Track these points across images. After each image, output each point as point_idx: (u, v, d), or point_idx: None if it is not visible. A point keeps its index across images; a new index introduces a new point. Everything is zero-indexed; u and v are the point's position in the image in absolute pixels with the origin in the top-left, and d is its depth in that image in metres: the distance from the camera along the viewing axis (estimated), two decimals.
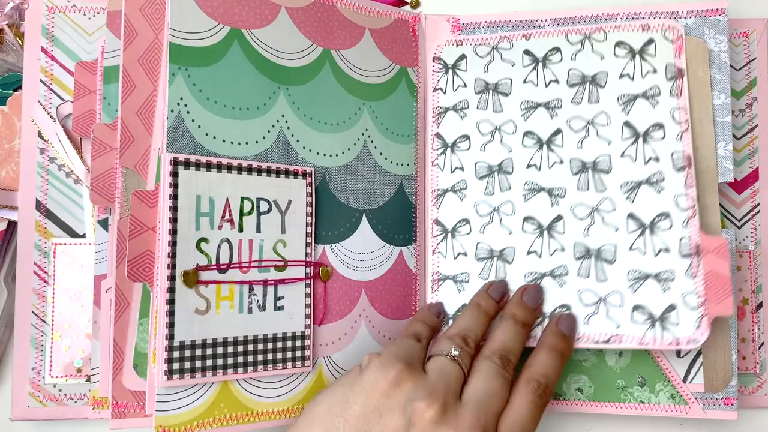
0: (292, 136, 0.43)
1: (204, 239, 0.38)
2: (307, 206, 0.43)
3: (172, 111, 0.39)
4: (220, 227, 0.39)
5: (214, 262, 0.39)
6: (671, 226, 0.42)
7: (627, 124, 0.44)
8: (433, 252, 0.46)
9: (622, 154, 0.44)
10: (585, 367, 0.45)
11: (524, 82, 0.46)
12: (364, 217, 0.46)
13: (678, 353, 0.44)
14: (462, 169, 0.46)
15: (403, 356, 0.37)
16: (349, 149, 0.45)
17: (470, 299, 0.44)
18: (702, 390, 0.44)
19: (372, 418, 0.35)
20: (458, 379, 0.37)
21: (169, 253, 0.37)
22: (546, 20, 0.48)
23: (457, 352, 0.38)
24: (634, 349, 0.43)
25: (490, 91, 0.47)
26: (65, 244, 0.46)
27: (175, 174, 0.38)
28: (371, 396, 0.35)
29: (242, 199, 0.40)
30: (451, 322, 0.44)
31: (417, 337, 0.41)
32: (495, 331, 0.41)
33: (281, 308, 0.41)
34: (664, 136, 0.44)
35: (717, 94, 0.45)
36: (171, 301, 0.37)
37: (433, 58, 0.49)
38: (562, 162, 0.45)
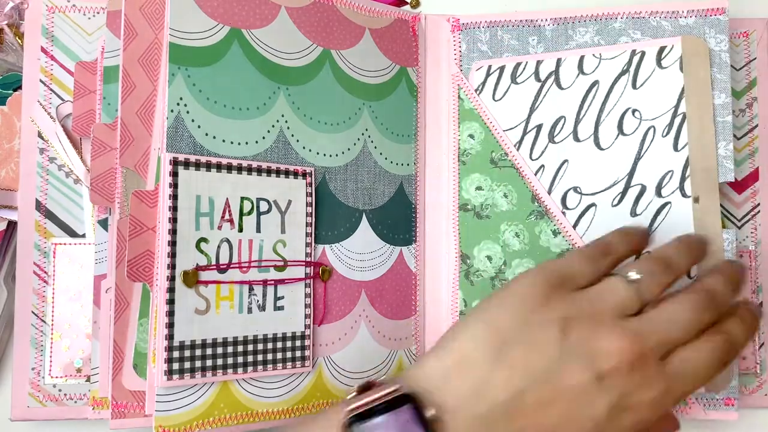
0: (292, 136, 0.43)
1: (204, 239, 0.38)
2: (307, 206, 0.43)
3: (172, 111, 0.39)
4: (219, 227, 0.39)
5: (213, 262, 0.39)
6: None
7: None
8: None
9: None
10: None
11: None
12: (364, 217, 0.46)
13: None
14: None
15: (561, 268, 0.33)
16: (349, 149, 0.45)
17: (681, 237, 0.38)
18: (702, 390, 0.43)
19: (521, 331, 0.31)
20: (624, 306, 0.32)
21: (168, 253, 0.37)
22: (546, 20, 0.48)
23: (638, 276, 0.33)
24: None
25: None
26: (65, 244, 0.46)
27: (174, 174, 0.38)
28: (520, 309, 0.32)
29: (242, 199, 0.40)
30: None
31: (604, 250, 0.35)
32: (707, 278, 0.35)
33: (281, 308, 0.41)
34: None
35: (717, 93, 0.44)
36: (171, 301, 0.37)
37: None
38: None
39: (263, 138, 0.42)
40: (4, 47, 0.49)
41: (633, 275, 0.33)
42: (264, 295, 0.40)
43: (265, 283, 0.40)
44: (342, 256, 0.44)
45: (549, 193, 0.46)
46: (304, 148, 0.43)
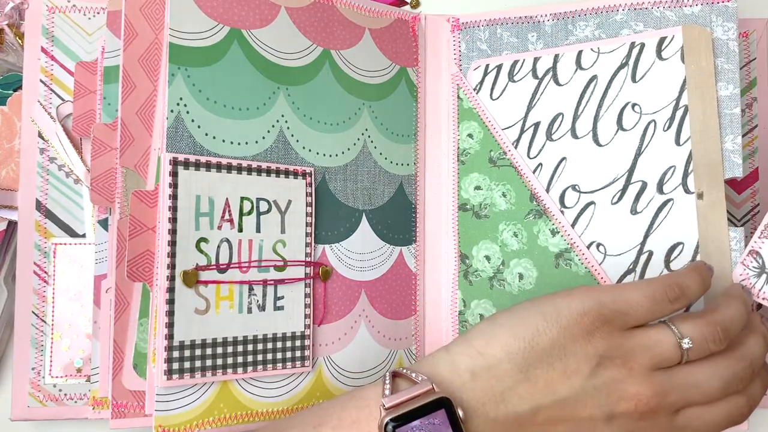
0: (292, 136, 0.43)
1: (204, 239, 0.38)
2: (306, 206, 0.43)
3: (172, 111, 0.39)
4: (219, 227, 0.39)
5: (213, 262, 0.39)
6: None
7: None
8: None
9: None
10: None
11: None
12: (364, 217, 0.46)
13: None
14: None
15: (619, 304, 0.33)
16: (348, 149, 0.45)
17: (735, 288, 0.38)
18: None
19: (555, 356, 0.32)
20: (663, 362, 0.32)
21: (168, 253, 0.37)
22: (545, 15, 0.47)
23: (690, 346, 0.33)
24: None
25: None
26: (65, 244, 0.46)
27: (174, 174, 0.38)
28: (562, 334, 0.32)
29: (242, 199, 0.40)
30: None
31: (676, 294, 0.34)
32: (750, 340, 0.35)
33: (281, 308, 0.41)
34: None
35: (725, 84, 0.42)
36: (171, 301, 0.37)
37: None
38: None
39: (263, 138, 0.42)
40: (5, 47, 0.49)
41: (686, 343, 0.33)
42: (264, 295, 0.40)
43: (265, 283, 0.40)
44: (342, 256, 0.44)
45: (547, 191, 0.45)
46: (304, 148, 0.43)
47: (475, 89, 0.48)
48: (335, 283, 0.44)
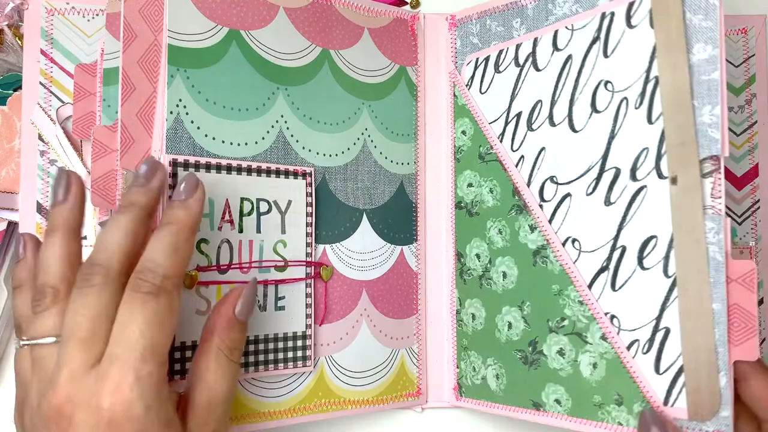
0: (292, 136, 0.43)
1: (204, 240, 0.38)
2: (307, 206, 0.43)
3: (171, 112, 0.39)
4: (220, 228, 0.39)
5: (214, 263, 0.39)
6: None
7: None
8: None
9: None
10: (561, 377, 0.41)
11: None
12: (364, 216, 0.46)
13: (656, 368, 0.36)
14: None
15: None
16: (348, 149, 0.45)
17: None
18: (686, 417, 0.35)
19: None
20: None
21: None
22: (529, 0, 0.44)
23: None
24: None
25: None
26: None
27: (174, 175, 0.38)
28: None
29: (242, 199, 0.40)
30: None
31: None
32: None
33: (282, 308, 0.41)
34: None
35: (702, 45, 0.35)
36: None
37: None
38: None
39: (263, 138, 0.42)
40: (4, 47, 0.49)
41: None
42: (265, 296, 0.40)
43: (265, 283, 0.40)
44: (343, 256, 0.44)
45: (528, 185, 0.43)
46: (303, 148, 0.43)
47: (467, 85, 0.47)
48: (336, 283, 0.44)
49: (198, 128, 0.39)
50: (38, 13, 0.47)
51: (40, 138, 0.46)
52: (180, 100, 0.39)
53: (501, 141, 0.45)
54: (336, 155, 0.45)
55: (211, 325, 0.35)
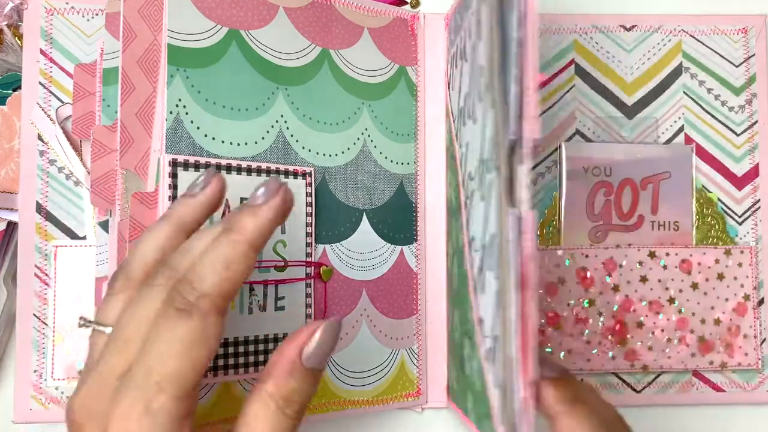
0: (292, 136, 0.43)
1: None
2: (306, 206, 0.43)
3: (171, 112, 0.39)
4: None
5: None
6: None
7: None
8: None
9: None
10: (472, 385, 0.38)
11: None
12: (364, 216, 0.46)
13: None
14: None
15: None
16: (348, 149, 0.45)
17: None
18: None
19: None
20: None
21: None
22: None
23: None
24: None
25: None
26: (66, 246, 0.46)
27: (174, 175, 0.38)
28: None
29: (242, 199, 0.40)
30: None
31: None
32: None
33: (282, 308, 0.41)
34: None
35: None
36: None
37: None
38: None
39: (262, 138, 0.42)
40: (4, 47, 0.49)
41: None
42: (265, 296, 0.40)
43: (265, 283, 0.40)
44: (342, 256, 0.44)
45: (463, 183, 0.40)
46: (303, 148, 0.43)
47: (449, 84, 0.46)
48: (336, 283, 0.44)
49: (198, 128, 0.39)
50: (38, 12, 0.47)
51: (40, 138, 0.46)
52: (180, 100, 0.39)
53: (457, 137, 0.44)
54: (336, 155, 0.45)
55: (270, 365, 0.29)
